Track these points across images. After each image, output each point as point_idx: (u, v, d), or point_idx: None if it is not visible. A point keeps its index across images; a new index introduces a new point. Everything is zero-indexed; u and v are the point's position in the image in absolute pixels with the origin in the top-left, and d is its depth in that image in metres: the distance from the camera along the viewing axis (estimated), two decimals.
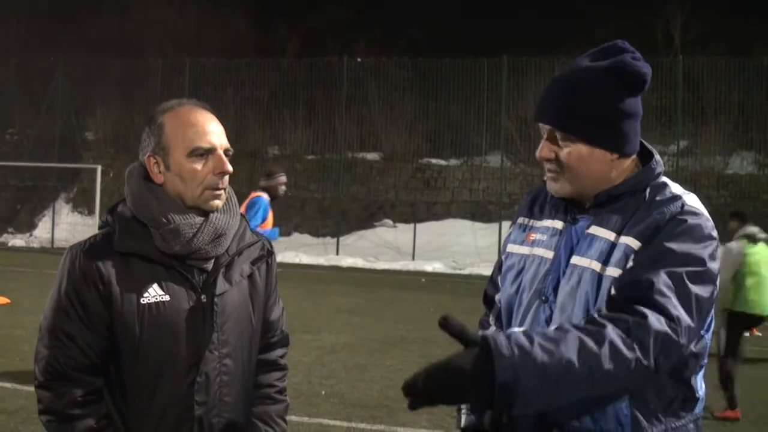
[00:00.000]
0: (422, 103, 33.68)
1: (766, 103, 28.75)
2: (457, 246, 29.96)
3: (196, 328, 2.61)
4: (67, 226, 34.72)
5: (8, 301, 15.64)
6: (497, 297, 2.82)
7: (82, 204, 35.67)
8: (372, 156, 34.93)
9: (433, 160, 34.13)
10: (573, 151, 2.45)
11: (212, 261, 2.68)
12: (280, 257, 28.90)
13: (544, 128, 2.51)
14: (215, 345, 2.64)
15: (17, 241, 34.77)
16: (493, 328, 2.84)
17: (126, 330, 2.56)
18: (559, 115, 2.46)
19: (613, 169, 2.46)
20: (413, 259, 29.31)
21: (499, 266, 2.83)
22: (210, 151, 2.62)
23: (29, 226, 36.89)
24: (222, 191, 2.66)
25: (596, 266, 2.39)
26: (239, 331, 2.73)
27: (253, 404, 2.87)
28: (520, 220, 2.75)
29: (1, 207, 36.33)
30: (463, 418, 2.78)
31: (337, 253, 30.96)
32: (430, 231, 30.68)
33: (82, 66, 36.40)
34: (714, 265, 2.32)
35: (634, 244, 2.34)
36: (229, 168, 2.64)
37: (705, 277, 2.28)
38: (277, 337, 3.00)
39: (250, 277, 2.80)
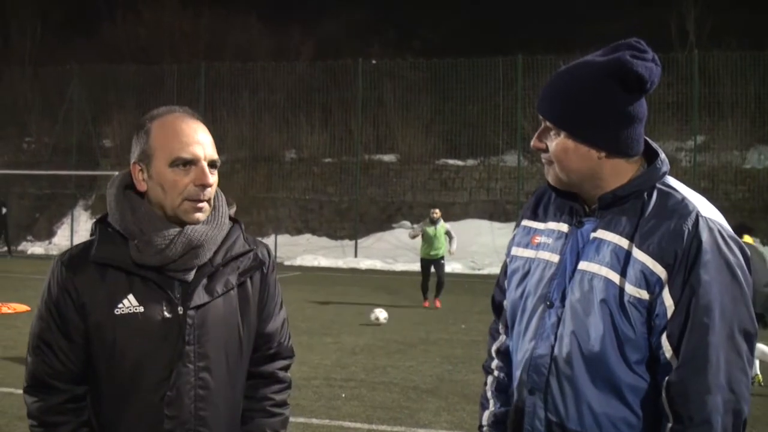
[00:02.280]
0: (438, 104, 33.66)
1: None
2: (476, 246, 29.88)
3: (168, 341, 2.57)
4: (86, 233, 34.65)
5: (28, 308, 15.72)
6: (505, 302, 2.78)
7: (100, 211, 35.58)
8: (389, 158, 34.91)
9: (450, 161, 34.08)
10: (559, 143, 2.41)
11: (194, 272, 2.63)
12: (299, 260, 29.12)
13: (541, 119, 2.49)
14: (191, 358, 2.59)
15: (36, 248, 34.93)
16: (502, 337, 2.82)
17: (100, 340, 2.56)
18: (549, 107, 2.43)
19: (603, 168, 2.41)
20: None
21: (504, 270, 2.79)
22: (192, 162, 2.55)
23: (48, 234, 37.07)
24: (204, 203, 2.59)
25: (612, 276, 2.35)
26: (221, 344, 2.66)
27: (248, 418, 2.82)
28: (525, 222, 2.70)
29: (20, 215, 36.48)
30: None
31: (356, 256, 30.96)
32: None
33: (98, 73, 36.59)
34: (748, 291, 2.31)
35: (657, 268, 2.29)
36: (210, 180, 2.57)
37: (750, 325, 2.30)
38: (275, 349, 2.90)
39: (240, 287, 2.73)
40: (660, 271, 2.28)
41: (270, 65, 35.67)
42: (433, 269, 18.44)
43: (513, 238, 2.74)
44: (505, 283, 2.76)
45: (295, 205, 34.53)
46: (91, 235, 2.70)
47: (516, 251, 2.68)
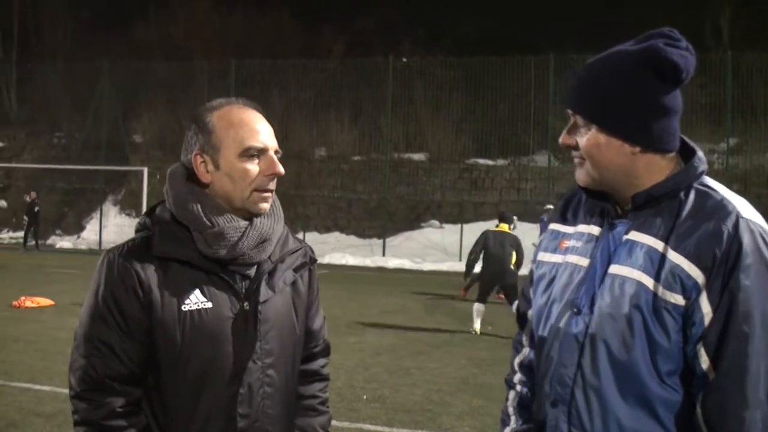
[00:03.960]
0: (468, 103, 33.55)
1: None
2: None
3: (239, 336, 2.49)
4: (115, 228, 35.06)
5: (52, 302, 15.72)
6: (529, 313, 2.63)
7: (129, 206, 36.03)
8: (418, 156, 34.83)
9: (480, 160, 33.96)
10: (591, 138, 2.27)
11: (255, 267, 2.57)
12: (327, 258, 29.09)
13: (569, 114, 2.36)
14: (258, 355, 2.52)
15: (65, 243, 35.19)
16: (526, 350, 2.66)
17: (166, 338, 2.44)
18: (579, 100, 2.30)
19: (637, 163, 2.26)
20: (460, 260, 29.08)
21: (530, 278, 2.64)
22: (262, 152, 2.51)
23: (77, 228, 37.34)
24: (270, 194, 2.55)
25: (646, 280, 2.18)
26: (282, 341, 2.61)
27: (296, 416, 2.75)
28: (553, 226, 2.57)
29: (50, 209, 36.70)
30: None
31: (384, 255, 30.90)
32: (477, 231, 30.08)
33: (129, 69, 36.86)
34: None
35: (694, 272, 2.13)
36: (281, 169, 2.53)
37: None
38: (320, 347, 2.90)
39: (294, 284, 2.70)
40: (697, 275, 2.12)
41: (300, 63, 35.70)
42: None
43: (540, 243, 2.59)
44: (530, 291, 2.61)
45: (324, 203, 34.55)
46: (140, 228, 2.60)
47: (543, 256, 2.54)
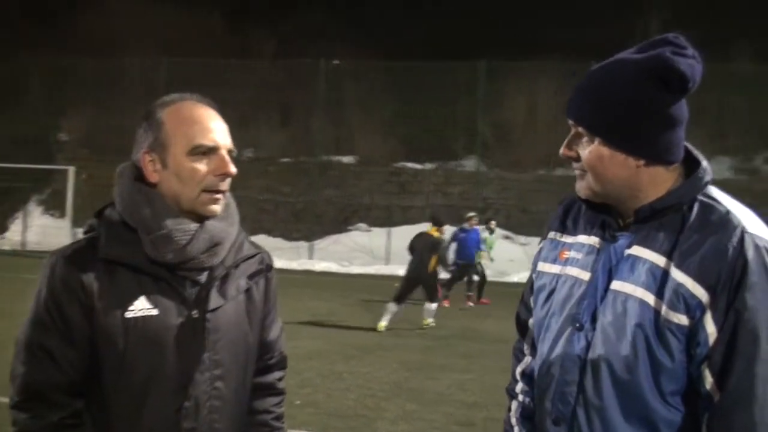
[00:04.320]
0: (398, 107, 33.61)
1: (745, 108, 28.81)
2: None
3: (185, 346, 2.37)
4: (39, 228, 34.26)
5: None
6: (531, 321, 2.56)
7: (54, 206, 35.23)
8: (347, 159, 34.80)
9: (409, 164, 34.04)
10: (593, 150, 2.19)
11: (206, 273, 2.45)
12: None
13: (570, 125, 2.27)
14: (206, 366, 2.40)
15: None
16: (528, 358, 2.61)
17: (108, 346, 2.31)
18: (582, 110, 2.21)
19: (641, 176, 2.19)
20: (387, 263, 29.16)
21: (530, 286, 2.57)
22: (212, 150, 2.39)
23: (0, 229, 36.42)
24: (221, 195, 2.43)
25: (648, 297, 2.12)
26: (233, 352, 2.48)
27: None
28: (552, 234, 2.49)
29: None
30: None
31: (311, 258, 30.76)
32: (404, 235, 30.37)
33: (58, 66, 36.05)
34: None
35: (698, 291, 2.06)
36: (233, 169, 2.41)
37: None
38: (276, 359, 2.76)
39: (248, 292, 2.57)
40: (701, 294, 2.06)
41: (231, 63, 35.37)
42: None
43: (539, 251, 2.53)
44: (531, 299, 2.55)
45: (251, 205, 34.24)
46: (88, 230, 2.46)
47: (543, 266, 2.47)
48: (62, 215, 32.66)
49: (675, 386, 2.12)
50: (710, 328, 2.04)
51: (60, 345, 2.31)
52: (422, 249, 15.47)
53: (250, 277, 2.59)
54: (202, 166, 2.38)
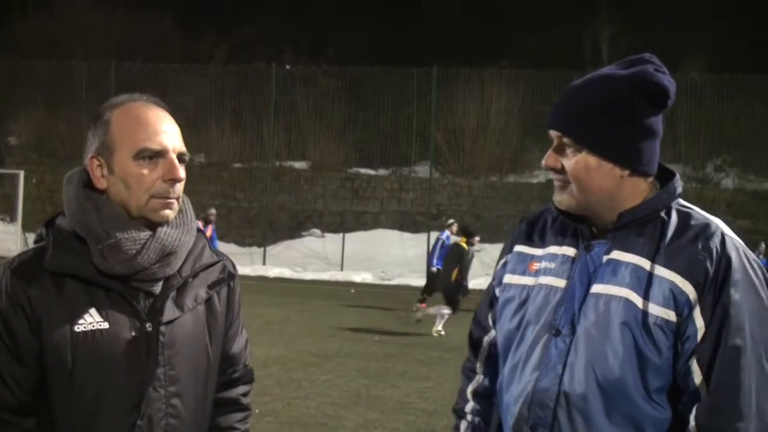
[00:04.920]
0: (351, 113, 33.55)
1: (696, 117, 29.16)
2: (386, 257, 29.85)
3: (137, 361, 2.25)
4: None
5: None
6: (485, 339, 2.58)
7: (4, 211, 34.52)
8: (300, 165, 34.69)
9: (362, 170, 34.02)
10: (580, 161, 2.24)
11: (161, 283, 2.32)
12: None
13: (554, 136, 2.31)
14: (161, 382, 2.27)
15: None
16: (480, 377, 2.60)
17: (57, 362, 2.19)
18: (569, 122, 2.27)
19: (623, 187, 2.26)
20: (342, 269, 29.10)
21: (489, 302, 2.59)
22: (160, 154, 2.26)
23: None
24: (173, 201, 2.29)
25: (633, 297, 2.17)
26: (192, 366, 2.36)
27: None
28: (519, 248, 2.50)
29: None
30: None
31: (264, 263, 30.60)
32: (358, 241, 30.50)
33: (6, 68, 35.46)
34: None
35: (687, 287, 2.14)
36: (181, 175, 2.28)
37: None
38: (240, 373, 2.61)
39: (208, 302, 2.43)
40: (690, 290, 2.14)
41: (181, 67, 35.05)
42: None
43: (504, 265, 2.53)
44: (488, 316, 2.57)
45: (203, 211, 33.94)
46: (38, 240, 2.33)
47: (510, 279, 2.47)
48: (12, 220, 32.11)
49: (660, 383, 2.16)
50: (699, 323, 2.13)
51: (7, 362, 2.20)
52: (450, 259, 16.26)
53: (211, 286, 2.45)
54: (148, 172, 2.26)
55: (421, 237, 29.80)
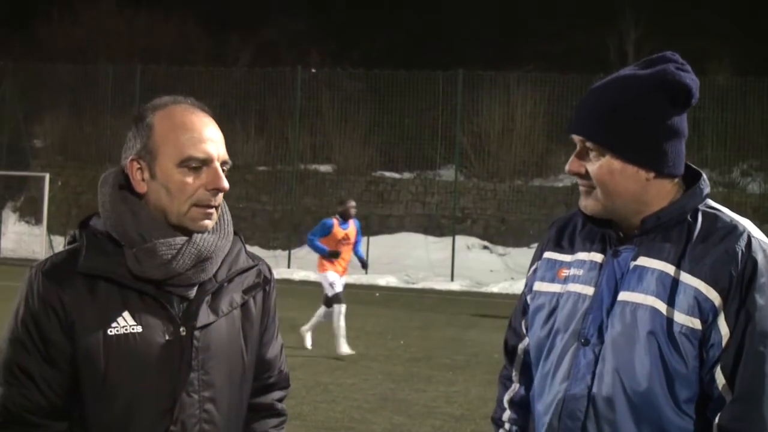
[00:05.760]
0: (376, 116, 33.44)
1: (722, 121, 28.95)
2: (410, 260, 29.75)
3: (171, 366, 2.22)
4: (14, 235, 33.76)
5: None
6: (520, 346, 2.55)
7: (29, 213, 34.74)
8: (325, 168, 34.64)
9: (387, 173, 33.92)
10: (604, 164, 2.21)
11: (195, 288, 2.29)
12: None
13: (576, 140, 2.27)
14: (195, 387, 2.25)
15: None
16: (515, 385, 2.57)
17: (89, 366, 2.17)
18: (591, 126, 2.22)
19: (649, 189, 2.22)
20: (366, 272, 29.02)
21: (522, 309, 2.56)
22: (205, 163, 2.23)
23: None
24: (213, 210, 2.27)
25: (659, 305, 2.13)
26: (226, 371, 2.33)
27: None
28: (548, 254, 2.47)
29: None
30: None
31: (289, 266, 30.59)
32: (383, 244, 30.41)
33: (32, 72, 35.64)
34: None
35: (711, 294, 2.09)
36: (226, 185, 2.26)
37: None
38: (275, 378, 2.58)
39: (244, 307, 2.41)
40: (714, 297, 2.09)
41: (206, 70, 35.11)
42: None
43: (534, 272, 2.49)
44: (522, 323, 2.54)
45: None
46: (71, 241, 2.31)
47: (540, 286, 2.43)
48: (37, 222, 32.22)
49: (689, 393, 2.13)
50: (724, 329, 2.08)
51: (39, 365, 2.17)
52: None
53: (246, 291, 2.43)
54: (192, 180, 2.24)
55: (446, 240, 29.68)
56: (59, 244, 30.44)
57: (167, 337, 2.23)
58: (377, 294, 24.11)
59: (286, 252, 31.53)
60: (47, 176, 29.73)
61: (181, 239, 2.24)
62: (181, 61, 35.74)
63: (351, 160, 34.18)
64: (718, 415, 2.08)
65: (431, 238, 31.26)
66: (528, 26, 38.71)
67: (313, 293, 23.85)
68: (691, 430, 2.14)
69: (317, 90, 34.31)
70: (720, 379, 2.08)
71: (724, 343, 2.08)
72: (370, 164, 34.18)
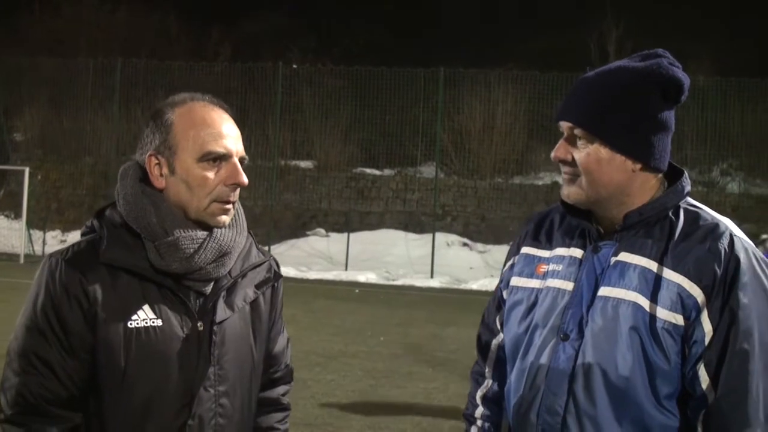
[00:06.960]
0: (357, 112, 33.42)
1: (702, 120, 29.09)
2: (390, 257, 29.78)
3: (190, 360, 2.24)
4: None
5: None
6: (494, 342, 2.55)
7: (8, 207, 34.50)
8: (305, 164, 34.62)
9: (367, 170, 33.93)
10: (592, 152, 2.20)
11: (211, 283, 2.31)
12: None
13: (564, 127, 2.26)
14: (211, 381, 2.27)
15: None
16: (488, 381, 2.57)
17: (109, 357, 2.17)
18: (581, 113, 2.22)
19: (634, 181, 2.22)
20: (346, 269, 29.04)
21: (497, 305, 2.55)
22: (224, 158, 2.26)
23: None
24: (232, 206, 2.30)
25: (642, 301, 2.13)
26: (239, 366, 2.35)
27: None
28: (525, 249, 2.46)
29: None
30: None
31: None
32: (363, 241, 30.43)
33: (12, 65, 35.40)
34: None
35: (694, 290, 2.10)
36: (245, 179, 2.27)
37: None
38: (281, 372, 2.62)
39: (253, 302, 2.43)
40: (697, 293, 2.10)
41: (187, 64, 34.98)
42: None
43: (511, 268, 2.49)
44: (496, 319, 2.53)
45: None
46: (87, 231, 2.31)
47: (518, 281, 2.43)
48: (17, 216, 32.01)
49: (670, 389, 2.13)
50: (707, 326, 2.09)
51: (59, 355, 2.17)
52: None
53: (258, 286, 2.45)
54: (212, 175, 2.25)
55: (426, 237, 29.73)
56: (38, 238, 30.29)
57: (186, 332, 2.24)
58: (357, 290, 24.11)
59: (266, 248, 31.31)
60: (27, 170, 29.54)
61: (202, 233, 2.26)
62: (161, 56, 35.64)
63: (331, 157, 34.15)
64: (702, 412, 2.09)
65: (411, 235, 31.29)
66: (509, 24, 38.82)
67: (292, 289, 23.85)
68: (670, 426, 2.14)
69: (298, 86, 34.26)
70: (703, 375, 2.09)
71: (707, 340, 2.09)
72: (351, 161, 34.18)
